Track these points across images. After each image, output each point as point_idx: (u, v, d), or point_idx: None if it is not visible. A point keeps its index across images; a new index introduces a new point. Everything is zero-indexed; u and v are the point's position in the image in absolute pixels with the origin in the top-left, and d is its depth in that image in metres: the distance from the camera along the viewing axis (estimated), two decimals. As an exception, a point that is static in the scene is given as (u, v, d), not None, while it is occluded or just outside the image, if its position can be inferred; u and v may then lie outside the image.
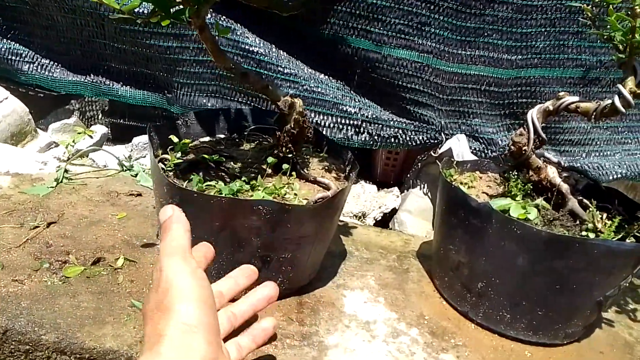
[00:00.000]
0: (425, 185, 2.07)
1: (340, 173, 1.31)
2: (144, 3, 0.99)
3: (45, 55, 2.10)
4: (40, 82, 2.08)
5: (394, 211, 2.06)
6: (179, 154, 1.22)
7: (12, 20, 2.07)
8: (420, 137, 1.98)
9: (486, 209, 1.13)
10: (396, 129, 1.96)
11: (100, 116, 2.31)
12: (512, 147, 1.23)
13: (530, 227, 1.07)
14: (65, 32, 2.02)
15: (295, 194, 1.12)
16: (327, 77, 2.02)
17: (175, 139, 1.22)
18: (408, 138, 1.97)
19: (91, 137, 2.05)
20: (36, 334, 0.98)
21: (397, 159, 2.19)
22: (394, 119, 1.98)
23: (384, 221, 2.04)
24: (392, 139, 1.97)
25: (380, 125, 1.96)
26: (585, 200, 1.21)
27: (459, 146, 1.91)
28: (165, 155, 1.16)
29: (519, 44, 1.88)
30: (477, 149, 1.99)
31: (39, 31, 2.06)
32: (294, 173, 1.19)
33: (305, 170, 1.23)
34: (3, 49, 2.07)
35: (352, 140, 1.97)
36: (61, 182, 1.44)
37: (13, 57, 2.07)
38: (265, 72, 1.93)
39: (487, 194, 1.30)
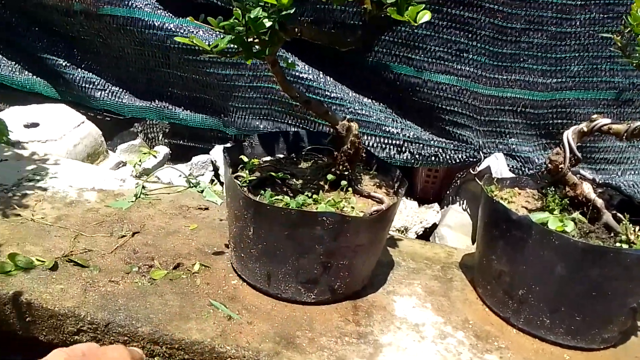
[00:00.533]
0: (465, 201, 2.19)
1: (390, 189, 1.45)
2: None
3: (115, 83, 2.33)
4: (111, 107, 2.31)
5: (434, 226, 2.17)
6: (249, 173, 1.38)
7: (86, 52, 2.31)
8: (460, 156, 2.10)
9: (526, 221, 1.24)
10: (436, 148, 2.09)
11: (160, 137, 2.52)
12: (550, 165, 1.34)
13: (567, 238, 1.18)
14: (134, 62, 2.25)
15: (353, 207, 1.26)
16: (370, 100, 2.17)
17: (245, 159, 1.38)
18: (448, 157, 2.09)
19: (155, 156, 2.26)
20: (134, 326, 1.14)
21: (437, 176, 2.31)
22: (434, 139, 2.11)
23: (425, 235, 2.16)
24: (433, 158, 2.10)
25: (421, 145, 2.10)
26: (619, 215, 1.31)
27: (497, 164, 2.02)
28: (240, 173, 1.33)
29: (554, 68, 1.99)
30: (515, 166, 2.10)
31: (109, 61, 2.30)
32: (350, 189, 1.34)
33: (359, 186, 1.37)
34: (78, 78, 2.32)
35: (395, 159, 2.11)
36: (139, 197, 1.63)
37: (87, 85, 2.31)
38: (314, 96, 2.10)
39: (526, 209, 1.41)
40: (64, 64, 2.32)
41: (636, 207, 1.41)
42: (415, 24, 1.15)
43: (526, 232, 1.24)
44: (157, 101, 2.30)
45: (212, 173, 2.28)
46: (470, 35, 1.97)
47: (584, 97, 2.03)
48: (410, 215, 2.16)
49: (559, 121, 2.07)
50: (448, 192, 2.25)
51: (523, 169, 2.09)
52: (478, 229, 1.50)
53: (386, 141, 2.11)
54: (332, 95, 2.10)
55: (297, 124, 2.20)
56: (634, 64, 1.23)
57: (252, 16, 1.12)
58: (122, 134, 2.50)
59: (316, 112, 1.33)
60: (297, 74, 2.08)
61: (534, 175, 2.04)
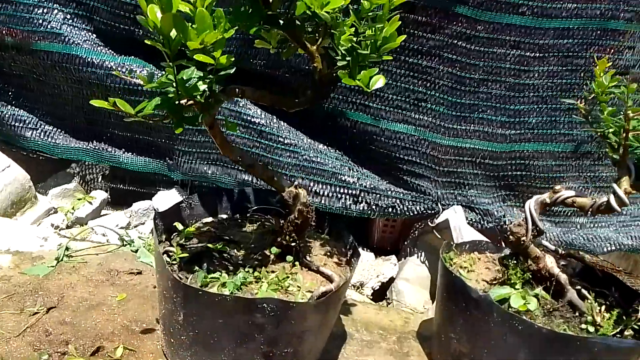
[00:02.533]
0: (423, 253, 2.09)
1: (342, 257, 1.32)
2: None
3: (49, 121, 2.13)
4: (42, 148, 2.11)
5: (391, 280, 2.06)
6: (184, 242, 1.23)
7: (19, 88, 2.11)
8: (418, 207, 2.01)
9: (487, 301, 1.14)
10: (394, 199, 2.00)
11: (99, 179, 2.32)
12: (511, 237, 1.25)
13: (531, 324, 1.08)
14: (71, 101, 2.07)
15: (299, 287, 1.13)
16: (326, 147, 2.06)
17: (179, 227, 1.23)
18: (406, 208, 2.00)
19: (91, 203, 2.06)
20: None
21: (395, 225, 2.21)
22: (392, 189, 2.01)
23: (382, 290, 2.04)
24: (390, 209, 2.00)
25: (378, 195, 1.99)
26: (583, 291, 1.23)
27: (456, 218, 1.94)
28: (170, 248, 1.17)
29: (513, 120, 1.94)
30: (473, 219, 2.02)
31: (43, 99, 2.10)
32: (297, 263, 1.21)
33: (308, 257, 1.24)
34: (7, 115, 2.11)
35: (350, 209, 2.00)
36: (61, 260, 1.44)
37: (16, 124, 2.10)
38: (266, 142, 1.97)
39: (486, 281, 1.32)
40: (-8, 100, 2.11)
41: (599, 277, 1.35)
42: (368, 90, 1.05)
43: (487, 314, 1.14)
44: (95, 142, 2.12)
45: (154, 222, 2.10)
46: (428, 85, 1.90)
47: (543, 149, 1.99)
48: (366, 268, 2.04)
49: (518, 173, 2.02)
50: (406, 243, 2.15)
51: (482, 222, 2.01)
52: (436, 301, 1.39)
53: (342, 191, 1.99)
54: (285, 142, 1.98)
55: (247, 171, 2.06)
56: (599, 134, 1.16)
57: (184, 77, 0.99)
58: (58, 176, 2.29)
59: (261, 178, 1.20)
60: (248, 118, 1.95)
61: (494, 228, 1.98)
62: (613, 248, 1.97)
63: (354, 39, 1.07)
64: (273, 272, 1.17)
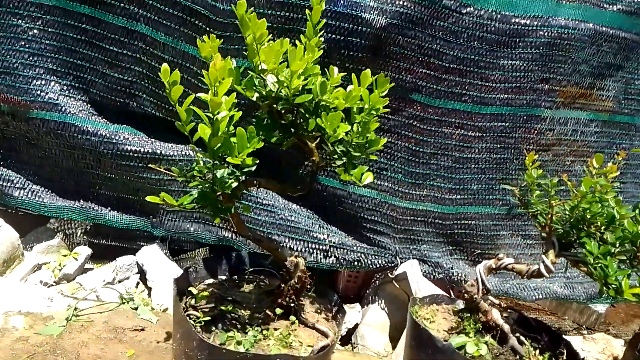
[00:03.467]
0: (383, 301, 2.37)
1: (328, 313, 1.57)
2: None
3: (36, 181, 2.24)
4: (29, 207, 2.21)
5: (356, 326, 2.32)
6: (194, 303, 1.43)
7: (8, 150, 2.22)
8: (379, 261, 2.30)
9: (450, 349, 1.43)
10: (359, 253, 2.28)
11: (79, 234, 2.43)
12: (466, 295, 1.56)
13: (484, 368, 1.38)
14: (61, 163, 2.20)
15: (300, 342, 1.36)
16: (299, 207, 2.32)
17: (194, 291, 1.44)
18: (369, 261, 2.28)
19: (76, 259, 2.18)
20: None
21: (358, 276, 2.49)
22: (357, 245, 2.30)
23: (348, 335, 2.29)
24: (356, 262, 2.28)
25: (346, 250, 2.27)
26: (522, 337, 1.55)
27: (413, 271, 2.25)
28: (194, 312, 1.37)
29: (458, 187, 2.31)
30: (427, 271, 2.34)
31: (33, 160, 2.22)
32: (296, 321, 1.44)
33: (303, 314, 1.48)
34: (-6, 175, 2.20)
35: (321, 263, 2.25)
36: (70, 319, 1.58)
37: (4, 183, 2.19)
38: (246, 202, 2.20)
39: (445, 331, 1.61)
40: (-20, 160, 2.20)
41: (532, 325, 1.68)
42: (360, 184, 1.33)
43: (450, 359, 1.42)
44: (82, 201, 2.25)
45: (138, 276, 2.24)
46: (389, 156, 2.22)
47: (483, 211, 2.36)
48: (335, 317, 2.29)
49: (463, 231, 2.37)
50: (368, 292, 2.42)
51: (434, 273, 2.33)
52: (405, 349, 1.66)
53: (314, 246, 2.25)
54: (263, 202, 2.22)
55: (229, 227, 2.27)
56: (530, 214, 1.51)
57: (218, 176, 1.23)
58: (38, 231, 2.38)
59: (267, 249, 1.44)
60: (231, 182, 2.18)
61: (444, 279, 2.31)
62: (542, 296, 2.36)
63: (348, 144, 1.35)
64: (276, 329, 1.40)
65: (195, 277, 1.58)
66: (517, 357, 1.50)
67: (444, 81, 2.11)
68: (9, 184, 2.20)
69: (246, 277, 1.66)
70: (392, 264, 2.32)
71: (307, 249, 2.25)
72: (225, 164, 1.24)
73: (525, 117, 2.27)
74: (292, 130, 1.32)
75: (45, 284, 2.02)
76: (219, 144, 1.12)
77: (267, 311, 1.45)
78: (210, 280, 1.62)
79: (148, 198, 1.20)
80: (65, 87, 2.11)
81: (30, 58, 2.06)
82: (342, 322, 1.47)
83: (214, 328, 1.34)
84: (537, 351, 1.52)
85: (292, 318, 1.43)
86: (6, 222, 2.18)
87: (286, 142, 1.51)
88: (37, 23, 2.04)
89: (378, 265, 2.30)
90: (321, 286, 1.65)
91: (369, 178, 1.32)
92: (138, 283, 2.24)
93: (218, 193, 1.26)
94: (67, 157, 2.18)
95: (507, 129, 2.26)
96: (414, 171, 2.26)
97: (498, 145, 2.28)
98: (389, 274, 2.32)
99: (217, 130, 1.09)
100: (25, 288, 1.73)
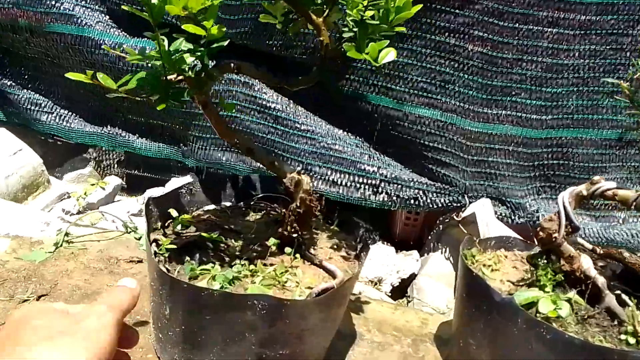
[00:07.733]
0: (448, 249, 1.95)
1: (351, 251, 1.21)
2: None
3: (64, 105, 2.10)
4: (57, 132, 2.08)
5: (412, 276, 1.93)
6: (180, 230, 1.14)
7: (34, 71, 2.08)
8: (443, 200, 1.87)
9: (512, 305, 1.01)
10: (417, 190, 1.86)
11: (115, 165, 2.28)
12: (542, 233, 1.11)
13: (561, 333, 0.94)
14: (85, 84, 2.01)
15: (297, 283, 1.02)
16: (345, 133, 1.94)
17: (174, 213, 1.15)
18: (429, 200, 1.86)
19: (103, 189, 2.02)
20: None
21: (418, 218, 2.07)
22: (415, 179, 1.88)
23: (402, 287, 1.91)
24: (412, 201, 1.86)
25: (400, 186, 1.86)
26: (624, 296, 1.07)
27: (484, 212, 1.79)
28: (160, 237, 1.09)
29: (549, 104, 1.77)
30: (503, 214, 1.86)
31: (58, 82, 2.07)
32: (298, 255, 1.10)
33: (311, 250, 1.14)
34: (23, 99, 2.09)
35: (370, 200, 1.87)
36: (60, 246, 1.39)
37: (32, 107, 2.08)
38: (282, 127, 1.87)
39: (512, 283, 1.17)
40: (8, 83, 2.09)
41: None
42: (377, 65, 0.92)
43: (511, 319, 1.01)
44: (109, 127, 2.07)
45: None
46: (456, 65, 1.75)
47: (583, 136, 1.80)
48: (385, 263, 1.92)
49: (555, 162, 1.84)
50: (430, 238, 2.01)
51: (513, 217, 1.85)
52: (455, 302, 1.26)
53: (361, 180, 1.87)
54: (302, 128, 1.87)
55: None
56: (645, 116, 1.00)
57: (171, 49, 0.90)
58: (75, 160, 2.27)
59: (261, 162, 1.10)
60: (263, 102, 1.85)
61: (526, 224, 1.82)
62: (661, 247, 1.78)
63: (363, 7, 0.95)
64: (271, 265, 1.07)
65: (189, 201, 1.29)
66: (615, 322, 1.04)
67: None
68: (36, 108, 2.08)
69: (254, 204, 1.34)
70: (459, 204, 1.88)
71: (353, 184, 1.88)
72: (183, 39, 0.91)
73: (648, 8, 1.65)
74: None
75: (67, 212, 1.89)
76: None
77: (268, 243, 1.13)
78: (210, 207, 1.33)
79: (69, 75, 0.90)
80: (80, -4, 1.89)
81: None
82: (364, 261, 1.10)
83: (188, 258, 1.04)
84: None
85: (289, 250, 1.09)
86: (41, 151, 2.07)
87: (293, 24, 1.13)
88: None
89: (440, 205, 1.87)
90: (344, 217, 1.29)
91: (390, 55, 0.91)
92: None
93: (175, 76, 0.93)
94: (88, 77, 1.99)
95: (620, 24, 1.66)
96: (489, 84, 1.76)
97: (607, 47, 1.69)
98: (455, 217, 1.88)
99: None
100: (23, 210, 1.57)
